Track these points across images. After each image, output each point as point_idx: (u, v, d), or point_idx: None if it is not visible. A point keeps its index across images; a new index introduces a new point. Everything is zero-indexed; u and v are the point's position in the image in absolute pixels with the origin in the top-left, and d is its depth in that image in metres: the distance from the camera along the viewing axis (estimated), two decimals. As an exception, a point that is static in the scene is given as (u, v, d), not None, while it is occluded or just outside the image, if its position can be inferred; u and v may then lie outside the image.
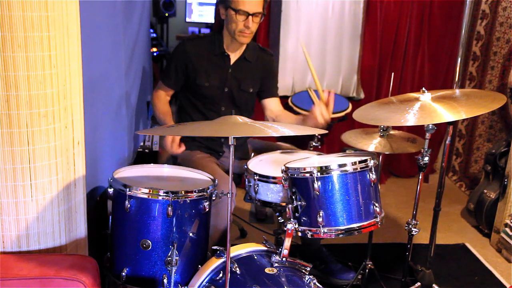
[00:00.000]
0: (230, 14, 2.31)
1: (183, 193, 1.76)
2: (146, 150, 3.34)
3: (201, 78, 2.44)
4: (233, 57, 2.47)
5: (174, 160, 2.57)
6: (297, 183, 1.81)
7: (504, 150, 3.05)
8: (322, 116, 2.24)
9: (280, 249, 1.76)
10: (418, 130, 2.27)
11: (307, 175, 1.77)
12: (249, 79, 2.51)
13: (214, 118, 2.44)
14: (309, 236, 1.80)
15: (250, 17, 2.28)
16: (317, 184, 1.75)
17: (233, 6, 2.29)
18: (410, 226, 2.09)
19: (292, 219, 1.82)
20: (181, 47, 2.46)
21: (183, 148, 2.27)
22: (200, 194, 1.80)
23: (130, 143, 2.76)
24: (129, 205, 1.74)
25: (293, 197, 1.83)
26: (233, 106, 2.51)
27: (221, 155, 2.55)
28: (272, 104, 2.62)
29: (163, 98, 2.53)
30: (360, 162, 1.79)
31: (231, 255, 1.75)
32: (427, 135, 1.99)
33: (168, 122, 2.43)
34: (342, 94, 3.64)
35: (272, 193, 2.04)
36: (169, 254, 1.74)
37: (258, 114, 2.77)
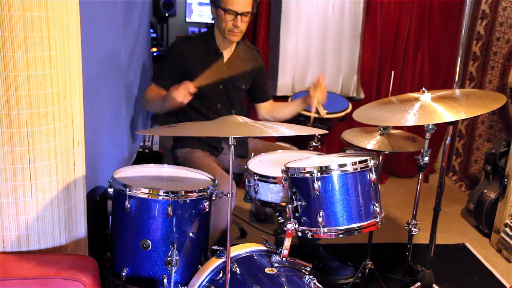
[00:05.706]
0: (220, 13, 2.38)
1: (183, 193, 1.76)
2: (146, 150, 3.34)
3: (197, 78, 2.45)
4: (226, 54, 2.52)
5: (174, 160, 2.57)
6: (297, 183, 1.81)
7: (504, 150, 3.05)
8: (320, 94, 2.44)
9: (280, 249, 1.76)
10: (418, 130, 2.27)
11: (307, 175, 1.77)
12: (242, 75, 2.55)
13: (211, 116, 2.45)
14: (309, 236, 1.80)
15: (239, 16, 2.35)
16: (317, 184, 1.75)
17: (222, 5, 2.35)
18: (410, 226, 2.09)
19: (292, 219, 1.82)
20: (176, 48, 2.50)
21: (189, 99, 2.19)
22: (200, 194, 1.80)
23: (130, 143, 2.76)
24: (129, 205, 1.74)
25: (293, 197, 1.82)
26: (228, 103, 2.54)
27: (220, 151, 2.55)
28: (266, 105, 2.73)
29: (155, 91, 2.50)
30: (360, 162, 1.79)
31: (231, 255, 1.74)
32: (427, 135, 1.99)
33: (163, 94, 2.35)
34: (342, 94, 3.63)
35: (272, 193, 2.04)
36: (169, 254, 1.74)
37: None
